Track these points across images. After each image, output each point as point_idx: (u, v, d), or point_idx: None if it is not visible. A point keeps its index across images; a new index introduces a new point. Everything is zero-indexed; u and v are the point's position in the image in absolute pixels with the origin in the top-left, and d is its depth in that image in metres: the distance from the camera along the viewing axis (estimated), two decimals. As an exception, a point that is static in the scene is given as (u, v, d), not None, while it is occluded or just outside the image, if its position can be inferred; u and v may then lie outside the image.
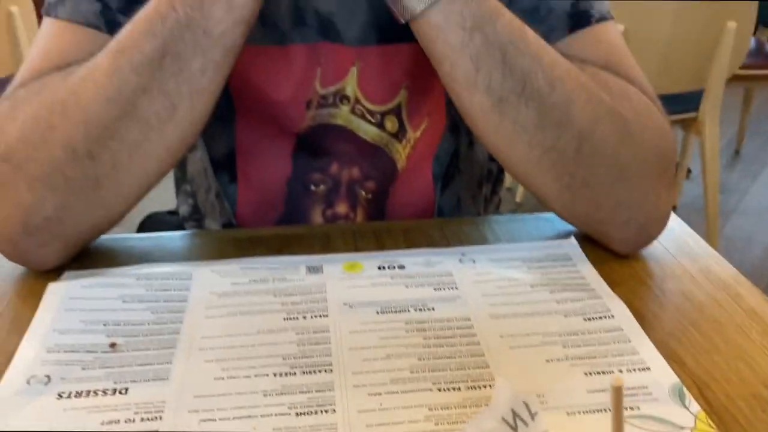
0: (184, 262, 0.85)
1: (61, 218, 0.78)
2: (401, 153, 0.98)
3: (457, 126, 0.99)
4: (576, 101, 0.77)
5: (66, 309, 0.75)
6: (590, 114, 0.78)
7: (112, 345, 0.70)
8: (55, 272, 0.81)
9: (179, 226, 1.11)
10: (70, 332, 0.72)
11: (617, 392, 0.32)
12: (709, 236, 2.57)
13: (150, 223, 1.20)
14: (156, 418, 0.61)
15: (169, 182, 1.10)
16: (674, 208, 0.87)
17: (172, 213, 1.20)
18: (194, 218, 1.08)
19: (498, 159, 0.85)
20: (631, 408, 0.62)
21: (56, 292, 0.78)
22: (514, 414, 0.46)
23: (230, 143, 0.98)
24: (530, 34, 0.77)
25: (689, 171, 3.30)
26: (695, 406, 0.62)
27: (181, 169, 1.09)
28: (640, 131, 0.80)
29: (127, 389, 0.65)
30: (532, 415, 0.45)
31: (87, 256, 0.85)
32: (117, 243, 0.91)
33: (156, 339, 0.71)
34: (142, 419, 0.61)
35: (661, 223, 0.85)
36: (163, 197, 1.37)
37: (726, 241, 0.82)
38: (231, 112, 0.95)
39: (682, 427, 0.60)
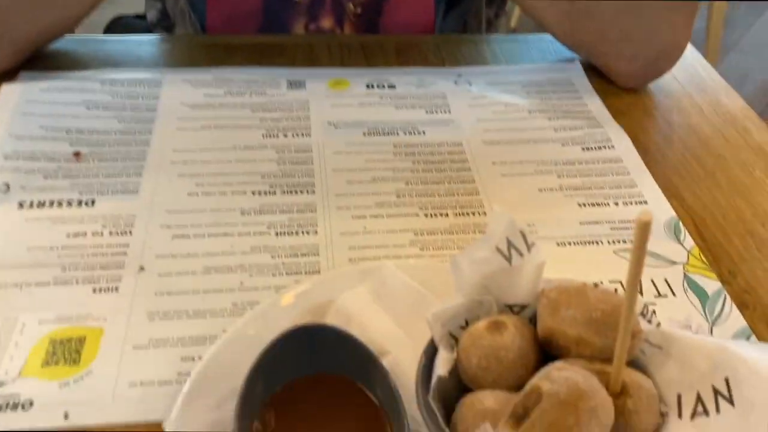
0: (153, 68, 0.78)
1: (5, 19, 0.69)
2: (397, -40, 0.87)
3: None
4: None
5: (23, 113, 0.69)
6: None
7: (77, 154, 0.65)
8: (9, 76, 0.74)
9: (147, 32, 1.01)
10: (28, 138, 0.66)
11: (643, 228, 0.28)
12: (705, 72, 2.48)
13: (116, 27, 1.10)
14: (126, 232, 0.58)
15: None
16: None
17: (141, 17, 1.09)
18: (162, 25, 0.98)
19: None
20: (624, 241, 0.60)
21: (10, 94, 0.71)
22: (509, 244, 0.43)
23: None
24: None
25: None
26: (690, 242, 0.60)
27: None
28: None
29: (93, 201, 0.61)
30: (529, 246, 0.42)
31: (45, 58, 0.77)
32: (79, 45, 0.82)
33: (124, 150, 0.66)
34: (111, 233, 0.58)
35: (674, 58, 0.78)
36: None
37: (721, 76, 0.77)
38: None
39: (674, 262, 0.58)
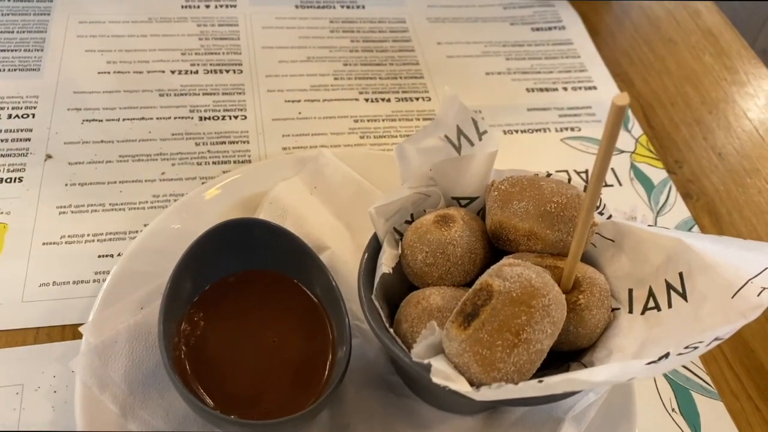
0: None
1: None
2: None
3: None
4: None
5: None
6: None
7: (-37, 24, 0.56)
8: None
9: None
10: None
11: (618, 113, 0.25)
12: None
13: None
14: (27, 115, 0.51)
15: None
16: None
17: None
18: None
19: None
20: (572, 129, 0.58)
21: None
22: (459, 131, 0.39)
23: None
24: None
25: None
26: (638, 130, 0.58)
27: None
28: None
29: (-13, 80, 0.53)
30: (480, 134, 0.39)
31: None
32: None
33: (20, 19, 0.57)
34: (10, 116, 0.51)
35: None
36: None
37: None
38: None
39: (622, 151, 0.56)
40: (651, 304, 0.34)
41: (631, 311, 0.35)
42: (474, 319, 0.31)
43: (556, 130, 0.57)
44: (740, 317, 0.30)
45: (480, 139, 0.38)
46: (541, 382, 0.28)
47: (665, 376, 0.43)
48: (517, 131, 0.57)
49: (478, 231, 0.37)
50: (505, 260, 0.34)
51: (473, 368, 0.31)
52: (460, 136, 0.38)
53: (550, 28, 0.66)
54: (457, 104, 0.38)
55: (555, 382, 0.28)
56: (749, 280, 0.31)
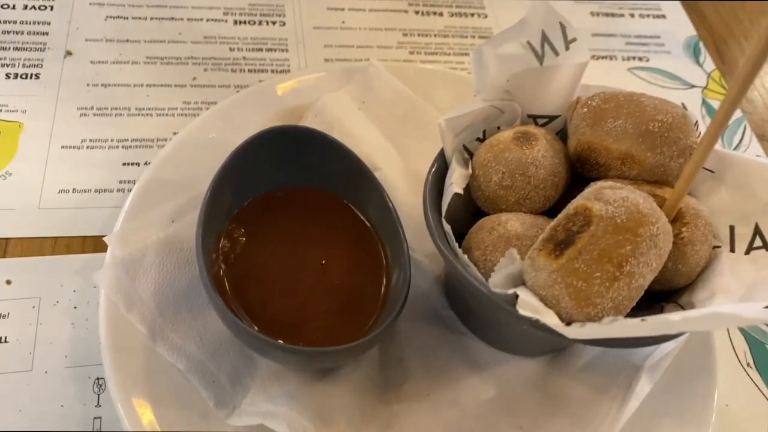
0: None
1: None
2: None
3: None
4: None
5: None
6: None
7: None
8: None
9: None
10: None
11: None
12: None
13: None
14: (45, 7, 0.46)
15: None
16: None
17: None
18: None
19: None
20: (639, 58, 0.52)
21: None
22: (544, 37, 0.34)
23: None
24: None
25: None
26: (710, 64, 0.53)
27: None
28: None
29: (-1, -35, 0.47)
30: (567, 43, 0.34)
31: None
32: None
33: None
34: (26, 6, 0.46)
35: None
36: None
37: None
38: None
39: (692, 86, 0.51)
40: (758, 243, 0.30)
41: (733, 250, 0.31)
42: (568, 247, 0.27)
43: (623, 59, 0.52)
44: None
45: (567, 48, 0.33)
46: (656, 316, 0.24)
47: (740, 328, 0.40)
48: (579, 57, 0.51)
49: (562, 153, 0.33)
50: (604, 183, 0.29)
51: (564, 302, 0.27)
52: (544, 44, 0.33)
53: (616, -51, 0.60)
54: (544, 6, 0.33)
55: (675, 320, 0.24)
56: None
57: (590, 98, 0.33)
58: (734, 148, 0.48)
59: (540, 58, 0.34)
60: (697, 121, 0.33)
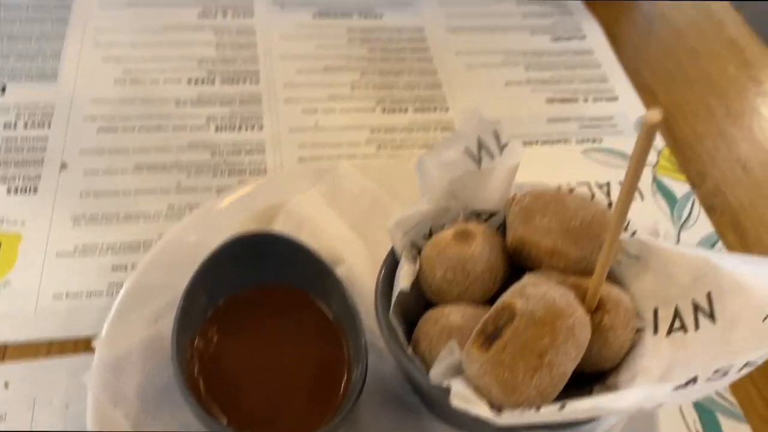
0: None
1: None
2: None
3: None
4: None
5: None
6: None
7: (-19, 33, 0.56)
8: None
9: None
10: None
11: (650, 131, 0.24)
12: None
13: None
14: (43, 124, 0.51)
15: None
16: None
17: None
18: None
19: None
20: (593, 140, 0.56)
21: None
22: (480, 144, 0.38)
23: None
24: None
25: None
26: (660, 142, 0.57)
27: None
28: None
29: (4, 88, 0.53)
30: (501, 147, 0.38)
31: None
32: None
33: (38, 28, 0.58)
34: (26, 125, 0.51)
35: None
36: None
37: None
38: None
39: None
40: (677, 324, 0.33)
41: (656, 332, 0.34)
42: (495, 340, 0.30)
43: (578, 142, 0.56)
44: (773, 341, 0.29)
45: (501, 152, 0.37)
46: (563, 407, 0.27)
47: (690, 397, 0.42)
48: (537, 142, 0.56)
49: (499, 247, 0.36)
50: (528, 278, 0.33)
51: (494, 391, 0.30)
52: (480, 149, 0.37)
53: (570, 38, 0.65)
54: (477, 117, 0.37)
55: (578, 408, 0.27)
56: (782, 302, 0.30)
57: (522, 196, 0.37)
58: (684, 222, 0.51)
59: (478, 161, 0.37)
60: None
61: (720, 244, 0.51)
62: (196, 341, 0.37)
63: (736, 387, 0.43)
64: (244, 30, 0.61)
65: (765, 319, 0.30)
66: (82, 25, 0.59)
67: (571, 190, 0.37)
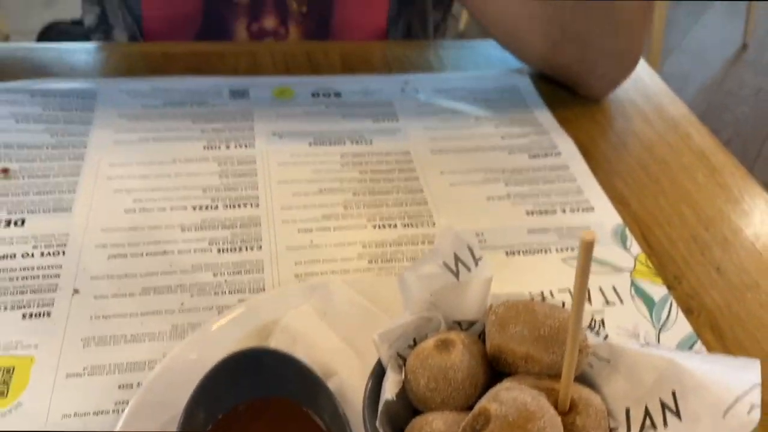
0: (88, 78, 0.75)
1: None
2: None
3: None
4: None
5: (-54, 128, 0.65)
6: None
7: (5, 171, 0.62)
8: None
9: (85, 38, 0.97)
10: (-48, 155, 0.63)
11: (587, 248, 0.28)
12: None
13: (50, 34, 1.05)
14: (58, 253, 0.55)
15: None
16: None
17: (77, 23, 1.05)
18: (102, 29, 0.94)
19: (480, 16, 0.76)
20: (572, 249, 0.60)
21: (-69, 107, 0.67)
22: (457, 258, 0.42)
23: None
24: None
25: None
26: (636, 248, 0.61)
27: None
28: None
29: (23, 220, 0.57)
30: (476, 261, 0.42)
31: (-29, 68, 0.74)
32: (7, 53, 0.79)
33: (56, 165, 0.63)
34: (42, 254, 0.55)
35: (633, 68, 0.79)
36: (68, 3, 1.20)
37: (663, 78, 0.80)
38: None
39: (621, 269, 0.58)
40: (648, 423, 0.35)
41: (629, 431, 0.36)
42: (473, 443, 0.32)
43: (557, 251, 0.59)
44: (733, 436, 0.31)
45: (476, 265, 0.41)
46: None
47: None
48: (518, 252, 0.59)
49: (479, 354, 0.39)
50: (503, 384, 0.35)
51: (474, 493, 0.31)
52: (457, 263, 0.41)
53: (546, 155, 0.70)
54: (452, 234, 0.41)
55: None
56: (738, 398, 0.32)
57: (498, 306, 0.40)
58: (662, 324, 0.54)
59: (456, 274, 0.41)
60: (593, 317, 0.39)
61: (699, 344, 0.53)
62: (195, 455, 0.39)
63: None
64: (246, 159, 0.66)
65: (724, 414, 0.32)
66: (97, 160, 0.64)
67: (543, 299, 0.40)
